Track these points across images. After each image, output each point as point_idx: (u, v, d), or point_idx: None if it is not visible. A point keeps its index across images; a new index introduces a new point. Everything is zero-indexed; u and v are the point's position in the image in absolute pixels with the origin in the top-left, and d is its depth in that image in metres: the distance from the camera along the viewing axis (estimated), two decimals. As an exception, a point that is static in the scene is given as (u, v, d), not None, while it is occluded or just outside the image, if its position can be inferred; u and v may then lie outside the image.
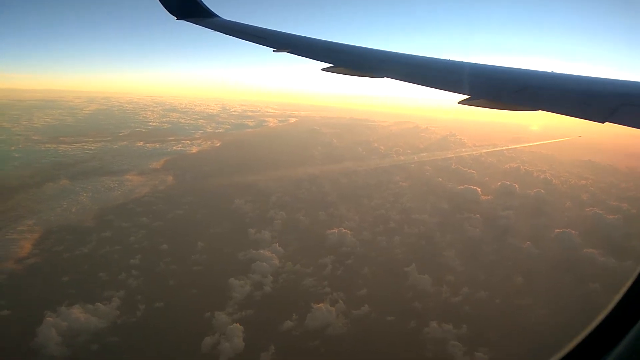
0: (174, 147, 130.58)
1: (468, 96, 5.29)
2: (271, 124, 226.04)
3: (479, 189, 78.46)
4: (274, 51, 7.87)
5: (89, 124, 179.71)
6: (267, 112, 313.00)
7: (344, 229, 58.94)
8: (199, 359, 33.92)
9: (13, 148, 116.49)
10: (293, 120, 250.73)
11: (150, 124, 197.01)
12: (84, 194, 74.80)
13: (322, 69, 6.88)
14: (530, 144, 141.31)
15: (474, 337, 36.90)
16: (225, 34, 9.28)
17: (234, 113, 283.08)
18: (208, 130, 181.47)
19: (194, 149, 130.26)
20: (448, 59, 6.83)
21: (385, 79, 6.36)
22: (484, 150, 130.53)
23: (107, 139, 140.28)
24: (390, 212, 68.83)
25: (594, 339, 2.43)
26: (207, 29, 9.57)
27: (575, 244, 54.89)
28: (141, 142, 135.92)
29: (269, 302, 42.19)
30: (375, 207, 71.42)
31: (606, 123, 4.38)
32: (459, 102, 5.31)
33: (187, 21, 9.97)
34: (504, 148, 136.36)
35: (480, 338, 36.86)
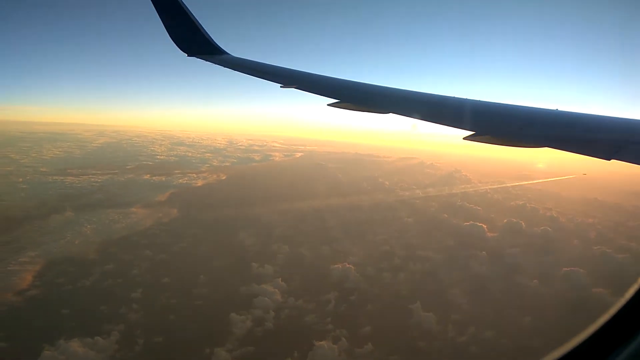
0: (180, 180, 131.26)
1: (473, 132, 5.32)
2: (277, 158, 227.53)
3: (485, 226, 77.82)
4: (281, 87, 8.00)
5: (97, 157, 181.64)
6: (273, 146, 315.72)
7: (348, 264, 58.33)
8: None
9: (21, 180, 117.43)
10: (299, 154, 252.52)
11: (158, 157, 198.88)
12: (88, 226, 74.81)
13: (328, 105, 6.97)
14: (536, 181, 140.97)
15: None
16: (234, 70, 9.49)
17: (240, 147, 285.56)
18: (214, 163, 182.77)
19: (200, 182, 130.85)
20: (453, 95, 6.89)
21: (390, 114, 6.42)
22: (490, 187, 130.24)
23: (114, 172, 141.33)
24: (395, 248, 68.14)
25: (596, 340, 2.31)
26: (217, 65, 9.80)
27: (583, 283, 53.84)
28: (148, 175, 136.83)
29: (270, 338, 41.34)
30: (380, 242, 70.81)
31: (612, 160, 4.37)
32: (464, 138, 5.33)
33: (198, 58, 10.21)
34: (509, 185, 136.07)
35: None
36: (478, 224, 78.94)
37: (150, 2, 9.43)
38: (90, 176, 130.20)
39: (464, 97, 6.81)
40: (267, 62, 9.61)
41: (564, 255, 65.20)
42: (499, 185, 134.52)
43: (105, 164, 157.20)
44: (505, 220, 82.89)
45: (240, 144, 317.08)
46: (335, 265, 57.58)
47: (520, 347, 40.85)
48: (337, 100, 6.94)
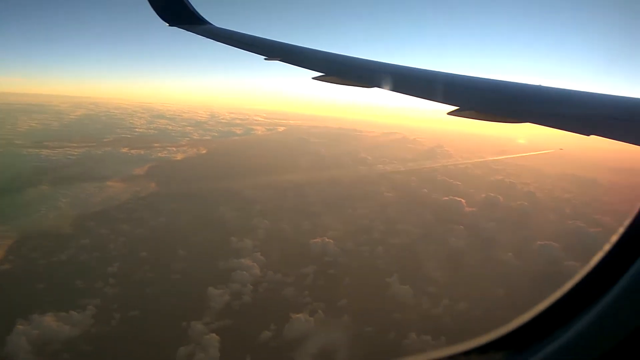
0: (159, 154, 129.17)
1: (457, 107, 5.21)
2: (259, 132, 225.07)
3: (463, 201, 79.00)
4: (265, 59, 7.83)
5: (74, 129, 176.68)
6: (256, 120, 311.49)
7: (328, 238, 58.63)
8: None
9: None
10: (281, 129, 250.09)
11: (137, 130, 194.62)
12: (64, 200, 73.25)
13: (313, 78, 6.85)
14: (515, 156, 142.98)
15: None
16: (217, 41, 9.25)
17: (222, 121, 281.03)
18: (195, 137, 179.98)
19: (179, 156, 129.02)
20: (438, 70, 6.78)
21: (375, 88, 6.29)
22: (471, 162, 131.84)
23: (91, 145, 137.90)
24: (375, 222, 68.75)
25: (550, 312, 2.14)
26: (198, 35, 9.50)
27: (557, 257, 55.26)
28: (126, 148, 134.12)
29: (248, 311, 41.67)
30: (360, 217, 71.32)
31: (592, 136, 4.38)
32: (448, 113, 5.21)
33: (179, 27, 9.87)
34: (490, 159, 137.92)
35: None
36: (457, 198, 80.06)
37: None
38: (67, 149, 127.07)
39: (450, 71, 6.68)
40: (251, 34, 9.34)
41: (539, 230, 66.77)
42: (480, 160, 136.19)
43: (83, 137, 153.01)
44: (483, 195, 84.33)
45: (222, 117, 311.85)
46: (315, 240, 57.87)
47: (492, 317, 42.04)
48: (322, 74, 6.81)
